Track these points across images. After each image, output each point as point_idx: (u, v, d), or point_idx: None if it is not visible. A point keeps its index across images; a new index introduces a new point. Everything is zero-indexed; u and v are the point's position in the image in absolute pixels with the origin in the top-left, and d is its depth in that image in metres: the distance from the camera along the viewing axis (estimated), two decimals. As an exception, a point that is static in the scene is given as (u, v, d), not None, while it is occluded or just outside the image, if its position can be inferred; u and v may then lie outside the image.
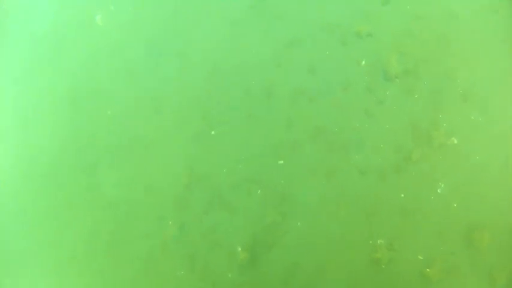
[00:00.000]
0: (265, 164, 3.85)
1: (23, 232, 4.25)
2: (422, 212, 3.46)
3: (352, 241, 3.51)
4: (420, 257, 3.36)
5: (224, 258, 3.71)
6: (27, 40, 4.79)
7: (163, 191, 4.01)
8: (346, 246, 3.52)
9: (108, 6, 4.64)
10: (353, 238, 3.52)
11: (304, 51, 4.04)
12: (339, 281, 3.46)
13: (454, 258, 3.32)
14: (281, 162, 3.82)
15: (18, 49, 4.80)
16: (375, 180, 3.60)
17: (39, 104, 4.57)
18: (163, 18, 4.50)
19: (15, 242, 4.24)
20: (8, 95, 4.70)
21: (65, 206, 4.20)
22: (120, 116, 4.33)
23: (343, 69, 3.92)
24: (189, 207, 3.90)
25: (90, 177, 4.21)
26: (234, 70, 4.16)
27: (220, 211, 3.83)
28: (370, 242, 3.46)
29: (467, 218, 3.38)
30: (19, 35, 4.83)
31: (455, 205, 3.43)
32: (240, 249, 3.69)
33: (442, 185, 3.48)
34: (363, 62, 3.90)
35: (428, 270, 3.32)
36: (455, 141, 3.56)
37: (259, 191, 3.80)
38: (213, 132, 4.05)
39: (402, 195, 3.53)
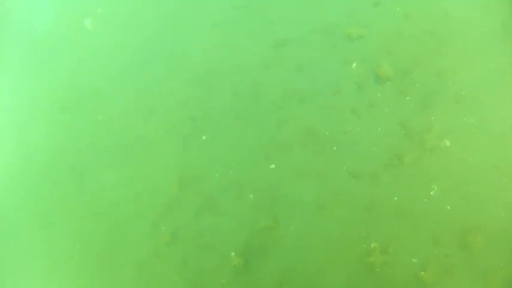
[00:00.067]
0: (257, 167, 3.83)
1: (23, 232, 4.28)
2: (416, 214, 3.44)
3: (346, 245, 3.49)
4: (414, 260, 3.34)
5: (217, 263, 3.69)
6: (26, 41, 4.90)
7: (154, 196, 4.00)
8: (339, 250, 3.50)
9: (96, 9, 4.66)
10: (347, 242, 3.50)
11: (294, 53, 4.03)
12: (333, 285, 3.45)
13: (448, 260, 3.30)
14: (272, 166, 3.80)
15: (18, 49, 4.92)
16: (367, 183, 3.58)
17: (31, 106, 4.62)
18: (152, 22, 4.52)
19: (15, 242, 4.27)
20: (3, 94, 4.72)
21: (58, 212, 4.22)
22: (110, 122, 4.35)
23: (333, 72, 3.90)
24: (181, 212, 3.90)
25: (81, 183, 4.21)
26: (224, 72, 4.14)
27: (213, 216, 3.81)
28: (364, 245, 3.44)
29: (461, 221, 3.36)
30: (19, 36, 4.95)
31: (448, 207, 3.41)
32: (233, 254, 3.67)
33: (435, 188, 3.47)
34: (354, 64, 3.88)
35: (422, 273, 3.30)
36: (448, 144, 3.54)
37: (251, 196, 3.78)
38: (204, 137, 4.03)
39: (395, 198, 3.51)
